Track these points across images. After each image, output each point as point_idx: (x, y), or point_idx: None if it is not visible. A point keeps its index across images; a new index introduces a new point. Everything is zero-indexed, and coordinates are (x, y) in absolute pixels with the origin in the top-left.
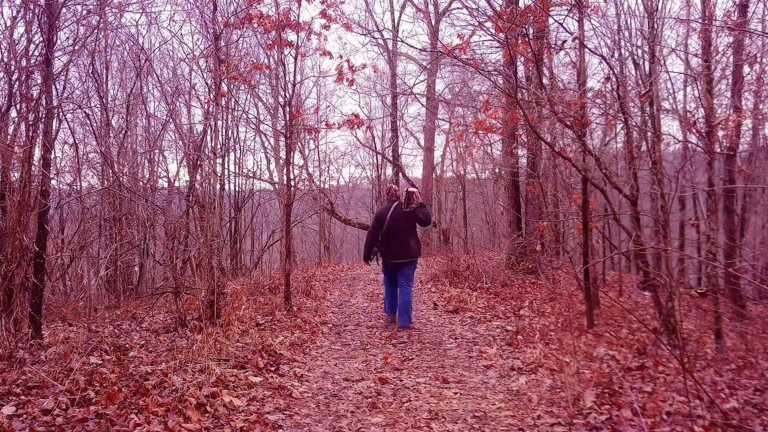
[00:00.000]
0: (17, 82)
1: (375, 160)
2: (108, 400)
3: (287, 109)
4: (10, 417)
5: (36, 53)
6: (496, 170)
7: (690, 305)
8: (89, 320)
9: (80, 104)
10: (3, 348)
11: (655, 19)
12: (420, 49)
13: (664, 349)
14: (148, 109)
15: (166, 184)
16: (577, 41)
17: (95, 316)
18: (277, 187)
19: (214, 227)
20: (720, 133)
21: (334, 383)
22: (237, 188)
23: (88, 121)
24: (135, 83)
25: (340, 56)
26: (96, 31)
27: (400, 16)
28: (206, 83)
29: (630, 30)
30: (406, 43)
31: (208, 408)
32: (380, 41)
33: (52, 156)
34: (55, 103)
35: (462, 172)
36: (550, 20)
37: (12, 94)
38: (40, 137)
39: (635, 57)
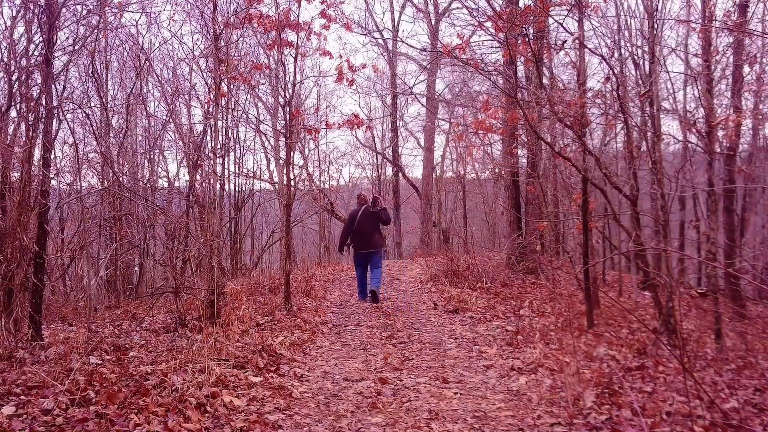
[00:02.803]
0: (17, 82)
1: (375, 160)
2: (108, 400)
3: (287, 109)
4: (10, 417)
5: (36, 53)
6: (496, 170)
7: (690, 305)
8: (89, 320)
9: (80, 104)
10: (3, 348)
11: (655, 19)
12: (420, 49)
13: (664, 349)
14: (148, 109)
15: (166, 184)
16: (577, 41)
17: (95, 316)
18: (277, 187)
19: (214, 227)
20: (720, 133)
21: (334, 383)
22: (237, 188)
23: (88, 121)
24: (135, 83)
25: (340, 56)
26: (96, 31)
27: (400, 16)
28: (206, 83)
29: (630, 30)
30: (406, 43)
31: (208, 408)
32: (380, 41)
33: (52, 156)
34: (55, 103)
35: (462, 172)
36: (550, 20)
37: (12, 94)
38: (40, 137)
39: (635, 57)
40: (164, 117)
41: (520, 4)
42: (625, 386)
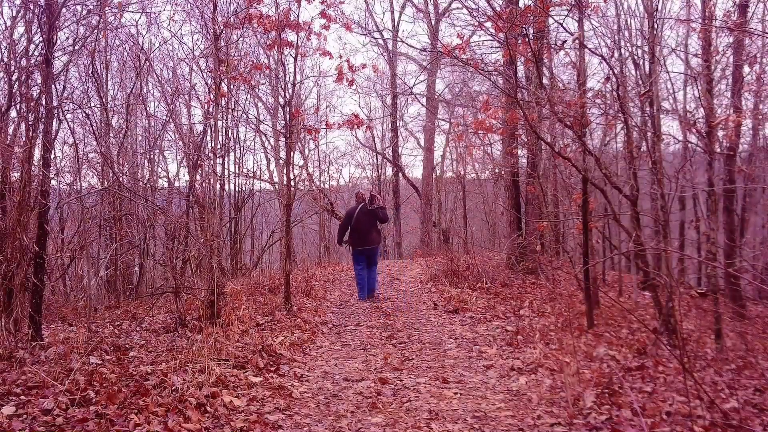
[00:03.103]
0: (17, 82)
1: (375, 160)
2: (108, 400)
3: (287, 109)
4: (10, 417)
5: (36, 53)
6: (496, 170)
7: (690, 305)
8: (89, 320)
9: (80, 104)
10: (3, 348)
11: (655, 19)
12: (420, 49)
13: (664, 349)
14: (148, 109)
15: (166, 184)
16: (577, 41)
17: (95, 316)
18: (277, 187)
19: (214, 227)
20: (720, 133)
21: (334, 383)
22: (237, 188)
23: (88, 121)
24: (135, 83)
25: (340, 56)
26: (96, 31)
27: (400, 16)
28: (206, 83)
29: (630, 30)
30: (406, 43)
31: (208, 408)
32: (380, 41)
33: (52, 156)
34: (55, 103)
35: (462, 172)
36: (550, 20)
37: (12, 94)
38: (40, 137)
39: (635, 57)
40: (164, 117)
41: (520, 4)
42: (625, 386)
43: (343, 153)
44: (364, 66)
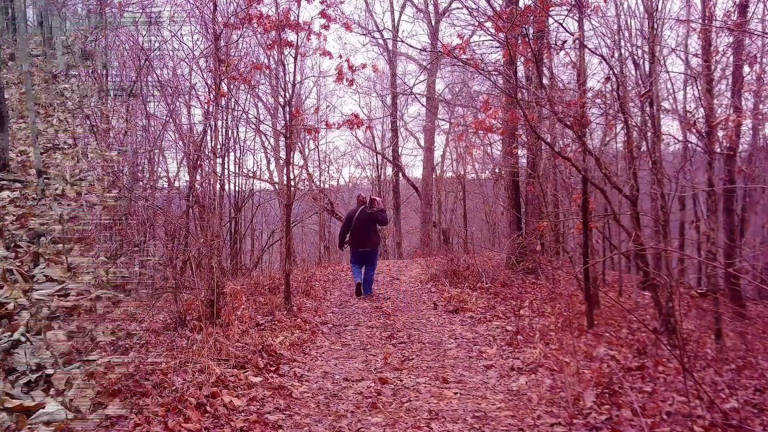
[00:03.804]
0: None
1: (375, 160)
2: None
3: (287, 109)
4: None
5: None
6: (496, 170)
7: (690, 305)
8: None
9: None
10: None
11: (655, 19)
12: (420, 49)
13: (664, 349)
14: (148, 109)
15: (166, 184)
16: (577, 41)
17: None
18: (277, 187)
19: (214, 227)
20: (720, 133)
21: (334, 383)
22: (237, 188)
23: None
24: (135, 83)
25: (340, 56)
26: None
27: (400, 16)
28: (206, 83)
29: (630, 30)
30: (406, 43)
31: (208, 408)
32: (380, 41)
33: None
34: None
35: (462, 172)
36: (550, 20)
37: None
38: None
39: (635, 57)
40: (164, 117)
41: (520, 4)
42: (625, 386)
43: (343, 153)
44: (364, 66)
